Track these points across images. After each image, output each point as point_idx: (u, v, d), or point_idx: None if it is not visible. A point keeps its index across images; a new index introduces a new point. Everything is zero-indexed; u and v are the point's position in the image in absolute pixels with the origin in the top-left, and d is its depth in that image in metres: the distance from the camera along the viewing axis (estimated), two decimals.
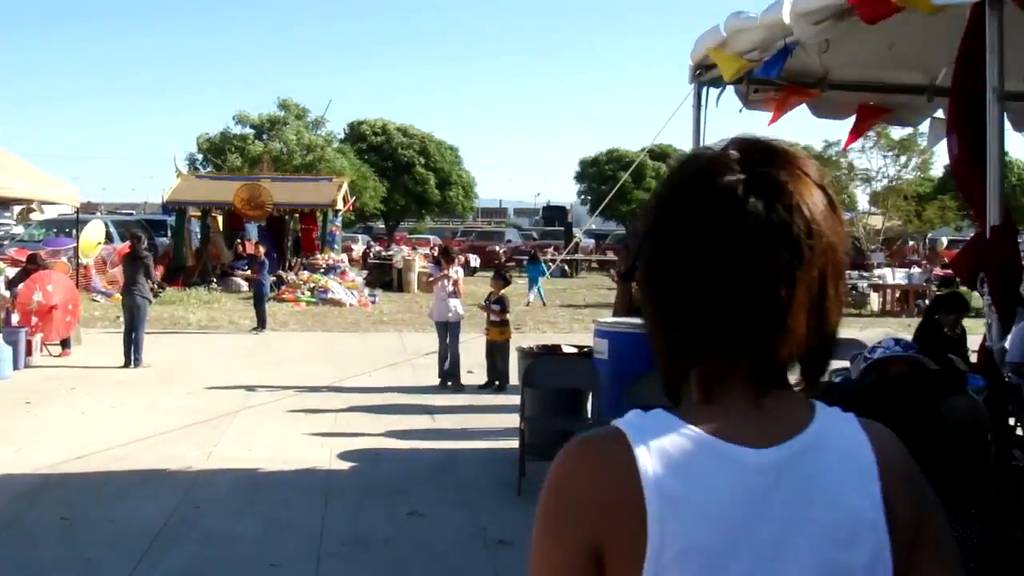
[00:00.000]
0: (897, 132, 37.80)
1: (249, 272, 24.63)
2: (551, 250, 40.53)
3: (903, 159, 40.91)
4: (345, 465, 9.52)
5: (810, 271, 1.45)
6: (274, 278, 27.19)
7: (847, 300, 30.01)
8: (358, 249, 43.11)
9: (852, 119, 9.50)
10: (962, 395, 2.67)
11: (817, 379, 1.56)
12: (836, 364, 8.45)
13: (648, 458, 1.41)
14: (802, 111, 9.06)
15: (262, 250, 22.65)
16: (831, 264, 1.49)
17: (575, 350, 9.77)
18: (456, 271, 14.64)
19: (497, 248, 47.98)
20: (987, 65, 5.04)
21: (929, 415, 2.47)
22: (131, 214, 49.30)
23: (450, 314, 14.16)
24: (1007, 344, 9.62)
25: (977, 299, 7.77)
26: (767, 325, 1.45)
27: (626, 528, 1.41)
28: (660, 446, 1.42)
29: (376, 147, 59.21)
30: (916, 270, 31.96)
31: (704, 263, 1.45)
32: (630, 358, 8.77)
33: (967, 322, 10.14)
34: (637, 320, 10.14)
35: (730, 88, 8.64)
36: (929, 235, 45.43)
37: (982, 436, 2.63)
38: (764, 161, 1.49)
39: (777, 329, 1.45)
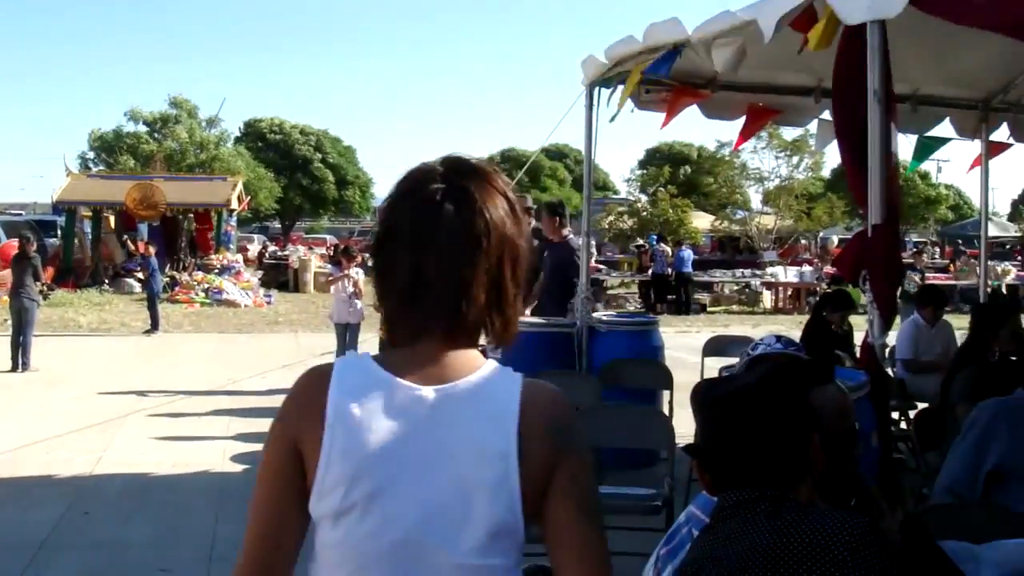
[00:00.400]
0: (789, 133, 38.45)
1: (140, 273, 24.29)
2: None
3: (795, 159, 41.56)
4: (239, 468, 9.41)
5: (489, 258, 2.00)
6: (167, 278, 26.85)
7: (744, 299, 30.51)
8: (254, 249, 42.69)
9: (742, 120, 9.63)
10: (830, 384, 2.75)
11: (504, 341, 2.08)
12: (728, 361, 8.62)
13: (337, 383, 1.97)
14: (694, 111, 9.18)
15: (152, 250, 22.31)
16: (508, 253, 2.03)
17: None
18: (357, 271, 14.52)
19: None
20: (868, 68, 5.14)
21: (799, 404, 2.53)
22: (20, 214, 48.18)
23: (351, 315, 14.09)
24: (894, 340, 9.90)
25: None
26: (456, 296, 1.99)
27: (314, 432, 1.94)
28: (350, 376, 1.99)
29: (273, 145, 58.74)
30: (807, 268, 32.56)
31: (411, 249, 2.00)
32: (523, 356, 8.74)
33: (854, 319, 10.37)
34: (532, 319, 10.21)
35: (620, 86, 8.71)
36: (821, 234, 46.26)
37: (850, 423, 2.71)
38: (461, 175, 2.04)
39: (463, 299, 1.99)
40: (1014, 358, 6.13)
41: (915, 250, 37.13)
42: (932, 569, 3.76)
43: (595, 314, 9.85)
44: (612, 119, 8.93)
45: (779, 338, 4.10)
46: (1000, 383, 5.97)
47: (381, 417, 1.93)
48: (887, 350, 9.25)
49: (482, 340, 2.06)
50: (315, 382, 2.01)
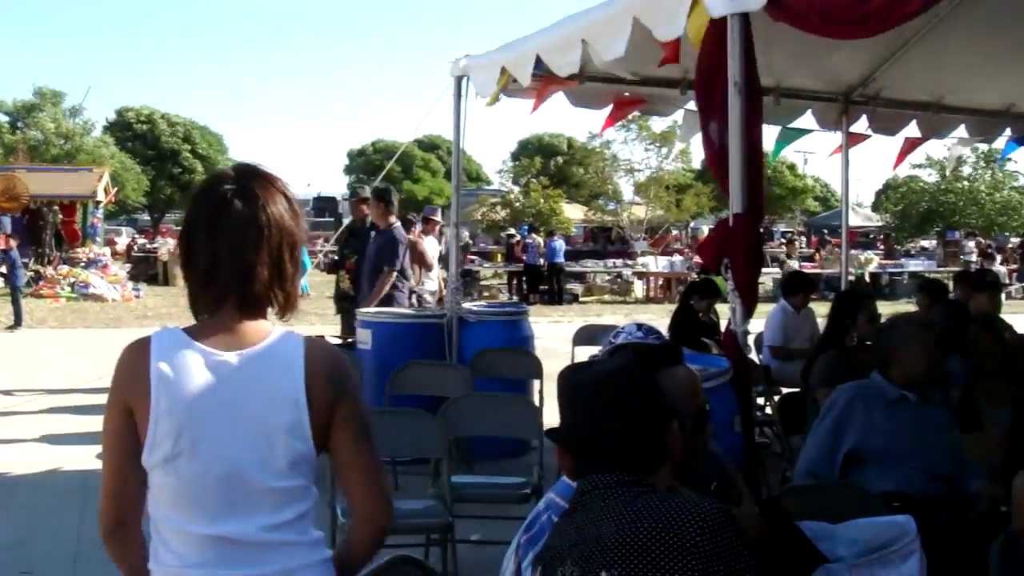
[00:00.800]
0: (659, 125, 38.96)
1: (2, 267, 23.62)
2: (320, 241, 40.16)
3: (664, 150, 42.11)
4: None
5: (271, 244, 2.53)
6: (31, 273, 26.18)
7: (616, 288, 30.79)
8: (122, 242, 41.82)
9: (609, 109, 9.70)
10: (679, 366, 2.79)
11: (287, 310, 2.65)
12: (598, 349, 8.70)
13: (156, 352, 2.46)
14: (563, 103, 9.23)
15: (13, 243, 21.72)
16: (286, 240, 2.57)
17: (340, 341, 9.72)
18: None
19: None
20: (729, 60, 5.22)
21: (655, 390, 2.56)
22: None
23: None
24: (763, 328, 10.10)
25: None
26: (244, 276, 2.51)
27: (142, 396, 2.43)
28: (166, 345, 2.49)
29: (140, 135, 57.61)
30: (678, 258, 33.05)
31: (207, 237, 2.52)
32: (393, 347, 8.82)
33: (721, 307, 10.54)
34: (401, 310, 10.20)
35: (489, 78, 8.73)
36: (691, 224, 46.97)
37: (700, 404, 2.75)
38: (248, 178, 2.57)
39: (250, 278, 2.51)
40: (871, 343, 6.29)
41: (786, 240, 37.90)
42: (791, 548, 3.86)
43: (465, 304, 9.83)
44: (490, 103, 8.93)
45: (640, 326, 4.14)
46: (857, 368, 6.14)
47: (196, 378, 2.45)
48: (753, 336, 9.49)
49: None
50: (137, 354, 2.50)
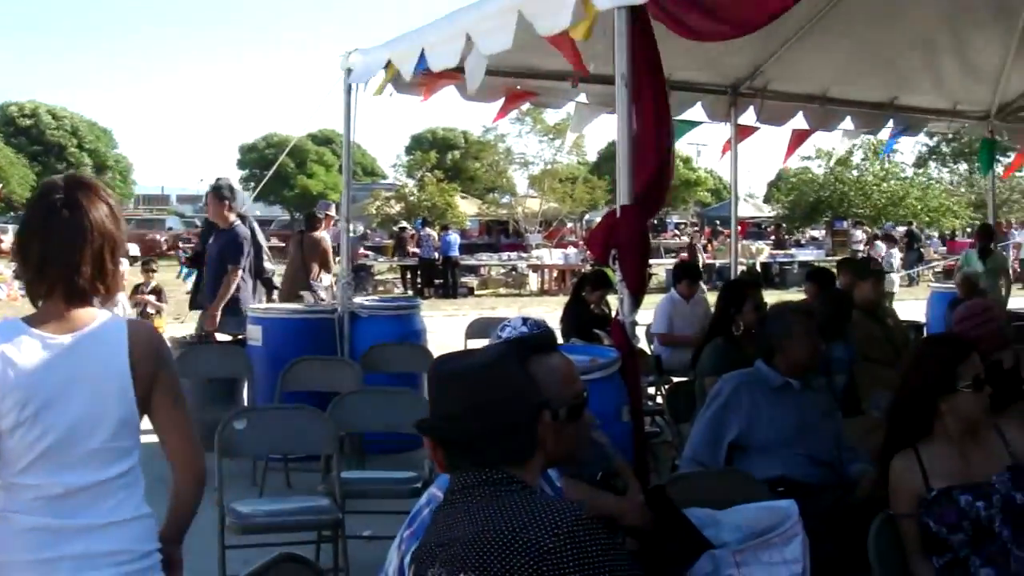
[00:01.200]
0: (552, 117, 39.11)
1: None
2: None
3: (558, 143, 42.30)
4: None
5: (93, 245, 3.00)
6: None
7: (511, 281, 30.86)
8: (7, 240, 40.79)
9: (500, 102, 9.71)
10: (553, 354, 2.78)
11: (107, 300, 3.22)
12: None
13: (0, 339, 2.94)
14: (455, 96, 9.20)
15: None
16: (107, 242, 3.04)
17: (229, 338, 9.60)
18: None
19: (158, 236, 46.54)
20: (615, 53, 5.25)
21: (524, 381, 2.54)
22: None
23: (115, 307, 13.60)
24: (652, 317, 10.19)
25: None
26: (70, 271, 2.98)
27: None
28: (5, 333, 2.97)
29: (24, 130, 56.35)
30: (572, 250, 33.17)
31: (39, 242, 3.01)
32: (284, 344, 8.74)
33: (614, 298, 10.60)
34: (291, 306, 10.11)
35: (380, 72, 8.69)
36: (586, 216, 47.24)
37: (576, 391, 2.74)
38: (75, 188, 3.04)
39: (75, 275, 2.98)
40: (756, 332, 6.38)
41: (695, 230, 38.22)
42: (677, 535, 3.90)
43: (357, 299, 9.76)
44: (376, 93, 8.89)
45: (526, 320, 4.13)
46: (743, 356, 6.22)
47: (35, 357, 2.93)
48: (643, 326, 9.55)
49: None
50: None
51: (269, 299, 11.07)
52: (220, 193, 9.95)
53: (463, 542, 2.37)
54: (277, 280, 12.52)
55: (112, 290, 3.13)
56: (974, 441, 4.08)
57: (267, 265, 11.04)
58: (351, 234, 10.54)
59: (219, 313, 9.44)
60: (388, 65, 8.21)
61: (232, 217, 9.95)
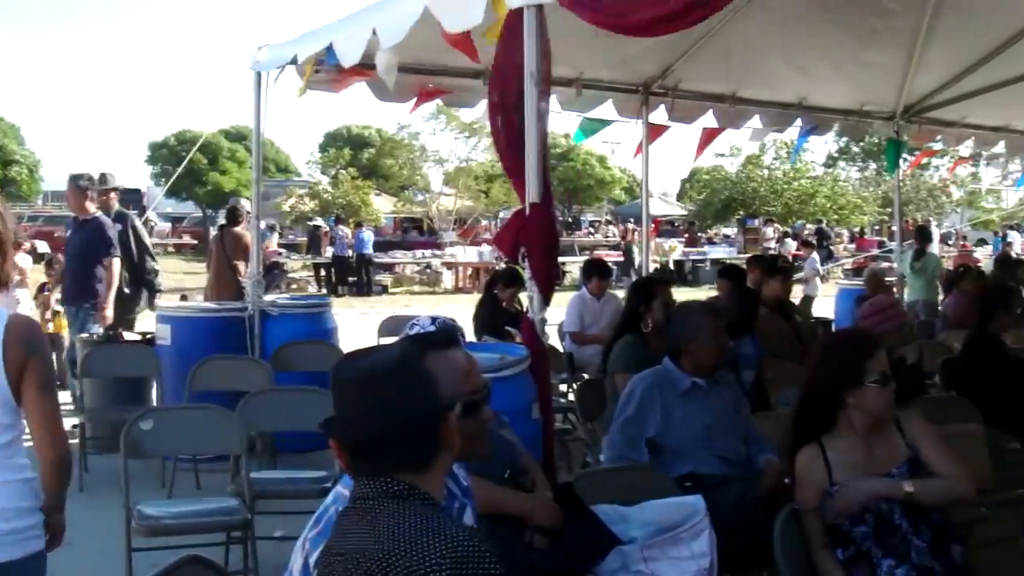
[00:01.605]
0: (468, 115, 39.08)
1: None
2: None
3: (473, 140, 42.30)
4: None
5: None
6: None
7: (425, 279, 30.78)
8: None
9: (413, 99, 9.67)
10: (452, 348, 2.76)
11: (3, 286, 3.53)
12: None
13: None
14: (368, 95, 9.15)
15: None
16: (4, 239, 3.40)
17: (138, 337, 9.46)
18: (24, 258, 13.65)
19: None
20: (525, 51, 5.24)
21: (426, 382, 2.50)
22: None
23: (18, 306, 13.30)
24: (564, 315, 10.22)
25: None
26: None
27: None
28: None
29: None
30: (487, 248, 33.13)
31: None
32: (192, 342, 8.63)
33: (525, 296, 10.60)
34: (201, 304, 9.98)
35: (290, 68, 8.62)
36: (501, 214, 47.27)
37: (476, 386, 2.72)
38: None
39: None
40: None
41: (634, 229, 38.36)
42: (586, 532, 3.91)
43: (267, 297, 9.64)
44: (279, 75, 8.81)
45: (435, 319, 4.12)
46: (652, 353, 6.26)
47: None
48: (552, 324, 9.56)
49: None
50: None
51: (152, 302, 10.81)
52: (79, 184, 9.86)
53: (353, 558, 2.32)
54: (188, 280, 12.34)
55: (3, 283, 3.49)
56: (877, 435, 4.15)
57: (151, 265, 10.87)
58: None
59: (110, 308, 9.36)
60: (304, 63, 8.14)
61: (93, 208, 9.87)
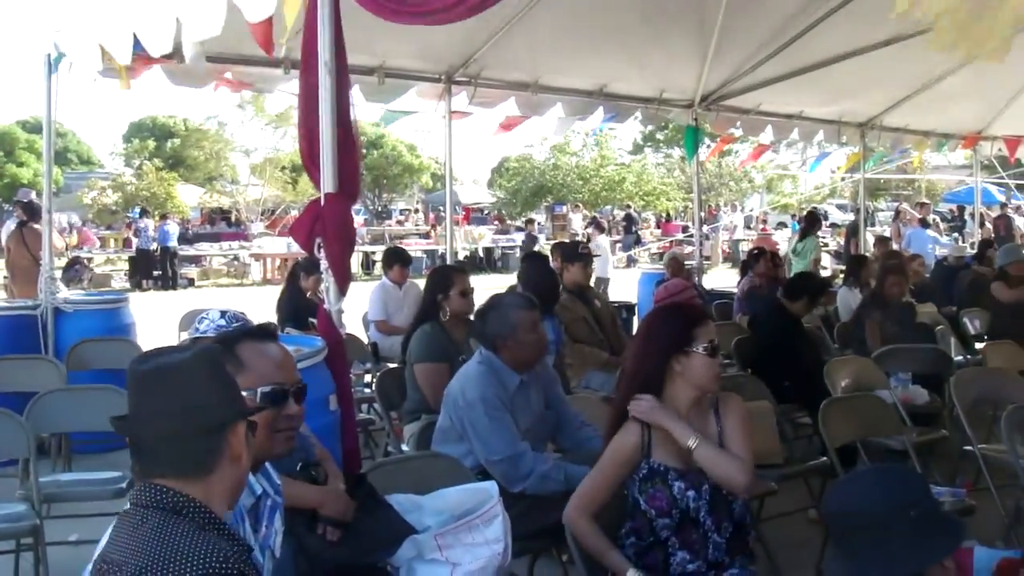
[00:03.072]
0: (274, 107, 38.69)
1: None
2: None
3: (281, 131, 41.84)
4: None
5: None
6: None
7: (233, 271, 30.32)
8: None
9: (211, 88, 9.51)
10: (266, 341, 2.73)
11: None
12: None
13: None
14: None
15: None
16: None
17: None
18: None
19: None
20: (319, 39, 5.20)
21: (212, 388, 2.44)
22: None
23: None
24: (368, 305, 10.18)
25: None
26: None
27: None
28: None
29: None
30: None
31: None
32: None
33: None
34: None
35: (86, 55, 8.35)
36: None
37: (278, 381, 2.69)
38: None
39: None
40: (469, 318, 6.44)
41: (436, 216, 38.24)
42: (379, 522, 3.91)
43: (59, 294, 9.32)
44: (70, 64, 8.53)
45: (224, 313, 4.06)
46: (452, 341, 6.30)
47: None
48: (356, 314, 9.50)
49: None
50: None
51: None
52: None
53: (116, 568, 2.27)
54: None
55: None
56: (696, 414, 4.15)
57: None
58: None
59: None
60: (103, 50, 7.89)
61: None
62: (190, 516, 2.34)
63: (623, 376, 4.47)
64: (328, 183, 5.18)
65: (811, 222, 16.73)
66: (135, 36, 7.23)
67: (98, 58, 7.98)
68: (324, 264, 5.25)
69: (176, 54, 8.56)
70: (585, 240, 20.78)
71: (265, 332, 3.13)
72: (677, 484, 4.01)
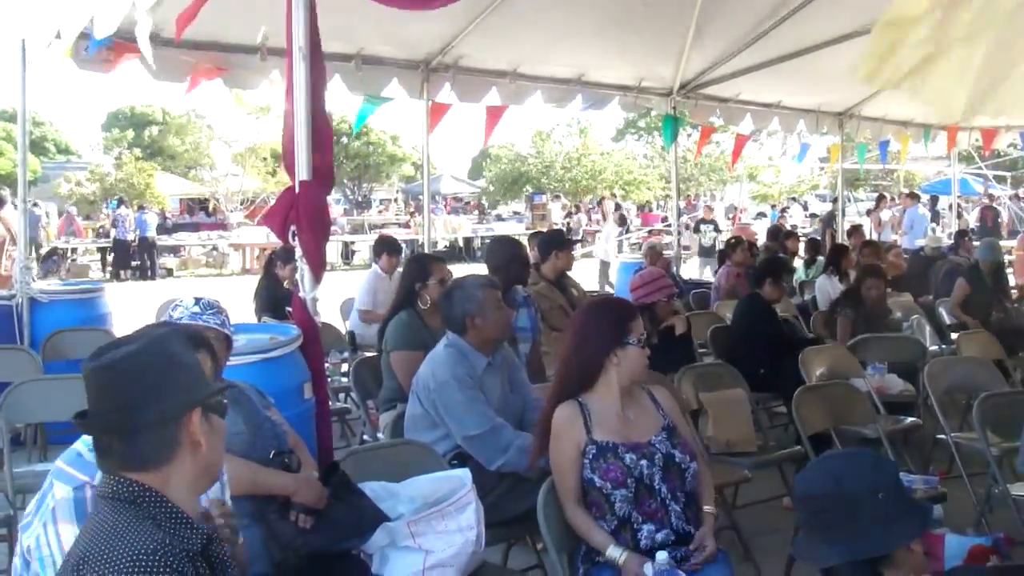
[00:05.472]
0: (257, 99, 38.53)
1: None
2: None
3: (263, 121, 41.73)
4: None
5: None
6: None
7: (212, 261, 30.20)
8: None
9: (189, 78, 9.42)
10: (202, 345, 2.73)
11: None
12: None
13: None
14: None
15: None
16: None
17: None
18: None
19: None
20: (292, 25, 5.18)
21: (168, 375, 2.43)
22: None
23: None
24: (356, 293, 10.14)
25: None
26: None
27: None
28: None
29: None
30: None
31: None
32: None
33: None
34: None
35: (54, 47, 8.29)
36: None
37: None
38: None
39: None
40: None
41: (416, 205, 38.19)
42: (353, 510, 3.92)
43: (34, 284, 9.24)
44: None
45: (198, 300, 4.03)
46: (429, 330, 6.29)
47: None
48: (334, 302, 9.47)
49: None
50: None
51: None
52: None
53: (72, 555, 2.30)
54: None
55: None
56: (630, 402, 4.31)
57: None
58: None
59: None
60: (72, 37, 7.83)
61: None
62: (144, 506, 2.34)
63: (558, 371, 4.53)
64: (303, 170, 5.18)
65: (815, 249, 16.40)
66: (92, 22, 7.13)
67: (68, 52, 7.93)
68: (299, 252, 5.24)
69: (151, 40, 8.49)
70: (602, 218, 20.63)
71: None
72: (629, 456, 4.13)
